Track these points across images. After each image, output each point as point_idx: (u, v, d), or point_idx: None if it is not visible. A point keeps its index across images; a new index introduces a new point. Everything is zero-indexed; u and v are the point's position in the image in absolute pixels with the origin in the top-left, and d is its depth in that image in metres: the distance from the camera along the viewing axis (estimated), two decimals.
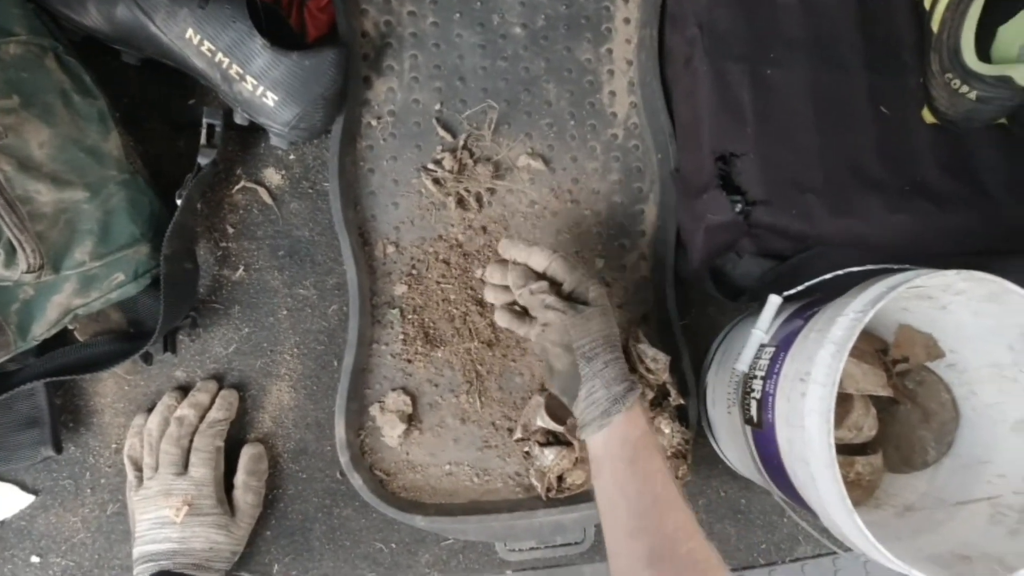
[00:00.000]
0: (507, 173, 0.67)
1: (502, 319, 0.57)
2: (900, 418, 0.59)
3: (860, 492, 0.57)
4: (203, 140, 0.58)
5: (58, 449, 0.58)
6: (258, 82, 0.55)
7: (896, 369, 0.58)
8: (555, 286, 0.54)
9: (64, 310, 0.52)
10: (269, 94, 0.55)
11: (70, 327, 0.57)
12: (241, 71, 0.54)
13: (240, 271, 0.64)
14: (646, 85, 0.67)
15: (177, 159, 0.62)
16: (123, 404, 0.62)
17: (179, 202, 0.56)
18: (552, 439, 0.62)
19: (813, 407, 0.44)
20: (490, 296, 0.59)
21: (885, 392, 0.56)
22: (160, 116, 0.62)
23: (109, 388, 0.62)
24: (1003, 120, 0.61)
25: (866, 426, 0.56)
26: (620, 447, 0.48)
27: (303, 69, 0.55)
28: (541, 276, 0.55)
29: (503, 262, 0.57)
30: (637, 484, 0.47)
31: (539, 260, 0.55)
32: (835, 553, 0.70)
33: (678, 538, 0.45)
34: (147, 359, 0.60)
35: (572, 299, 0.53)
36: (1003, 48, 0.58)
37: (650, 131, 0.68)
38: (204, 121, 0.58)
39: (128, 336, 0.59)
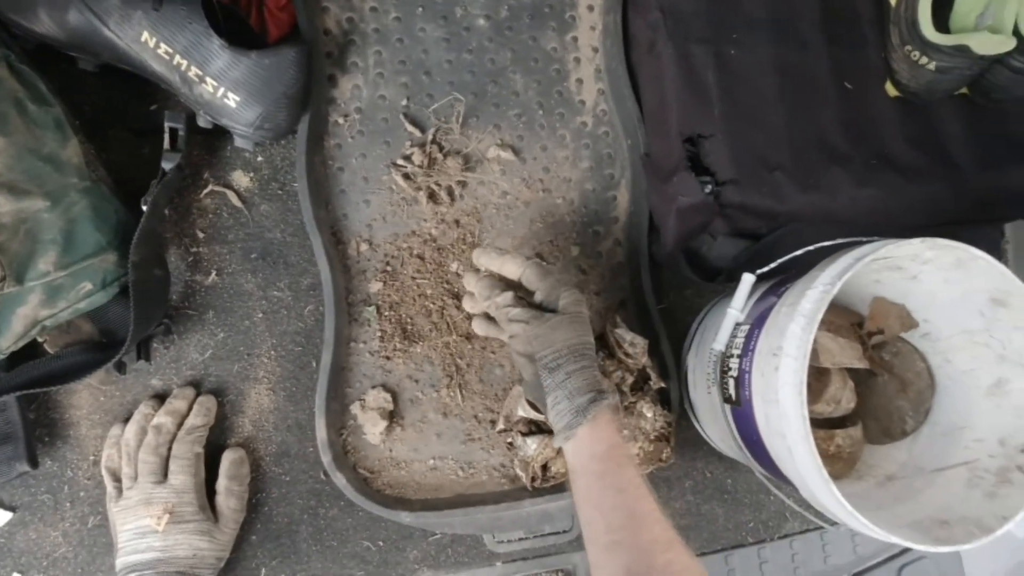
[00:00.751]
0: (477, 165, 0.67)
1: (480, 327, 0.57)
2: (878, 390, 0.59)
3: (841, 465, 0.57)
4: (166, 145, 0.58)
5: (33, 464, 0.57)
6: (218, 83, 0.54)
7: (872, 341, 0.59)
8: (530, 294, 0.54)
9: (31, 322, 0.51)
10: (230, 95, 0.55)
11: (39, 339, 0.56)
12: (200, 73, 0.53)
13: (213, 276, 0.63)
14: (612, 71, 0.67)
15: (142, 165, 0.61)
16: (99, 415, 0.61)
17: (145, 208, 0.55)
18: (535, 428, 0.61)
19: (786, 380, 0.44)
20: (468, 305, 0.59)
21: (862, 364, 0.57)
22: (122, 123, 0.62)
23: (84, 399, 0.61)
24: (964, 90, 0.62)
25: (844, 399, 0.57)
26: (588, 461, 0.47)
27: (263, 68, 0.54)
28: (515, 284, 0.55)
29: (478, 270, 0.57)
30: (609, 499, 0.46)
31: (512, 268, 0.54)
32: (823, 528, 0.71)
33: (654, 551, 0.44)
34: (121, 368, 0.59)
35: (544, 308, 0.52)
36: (960, 18, 0.58)
37: (619, 117, 0.68)
38: (166, 125, 0.57)
39: (100, 346, 0.58)
